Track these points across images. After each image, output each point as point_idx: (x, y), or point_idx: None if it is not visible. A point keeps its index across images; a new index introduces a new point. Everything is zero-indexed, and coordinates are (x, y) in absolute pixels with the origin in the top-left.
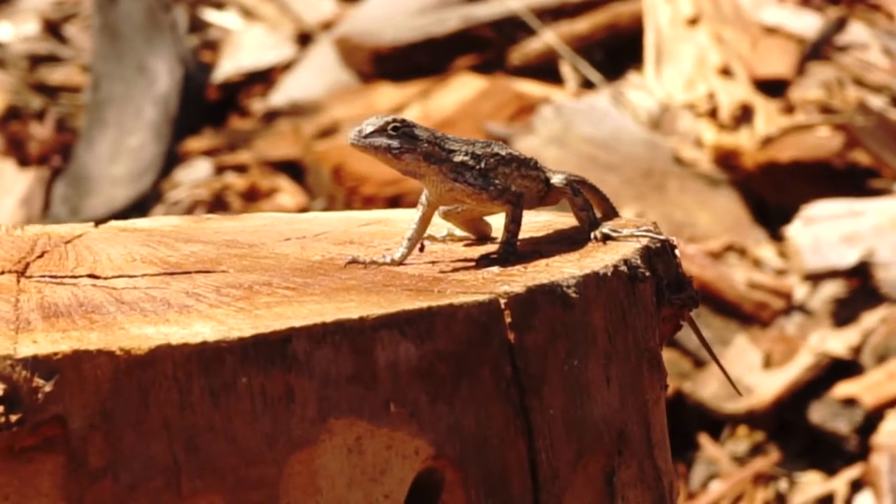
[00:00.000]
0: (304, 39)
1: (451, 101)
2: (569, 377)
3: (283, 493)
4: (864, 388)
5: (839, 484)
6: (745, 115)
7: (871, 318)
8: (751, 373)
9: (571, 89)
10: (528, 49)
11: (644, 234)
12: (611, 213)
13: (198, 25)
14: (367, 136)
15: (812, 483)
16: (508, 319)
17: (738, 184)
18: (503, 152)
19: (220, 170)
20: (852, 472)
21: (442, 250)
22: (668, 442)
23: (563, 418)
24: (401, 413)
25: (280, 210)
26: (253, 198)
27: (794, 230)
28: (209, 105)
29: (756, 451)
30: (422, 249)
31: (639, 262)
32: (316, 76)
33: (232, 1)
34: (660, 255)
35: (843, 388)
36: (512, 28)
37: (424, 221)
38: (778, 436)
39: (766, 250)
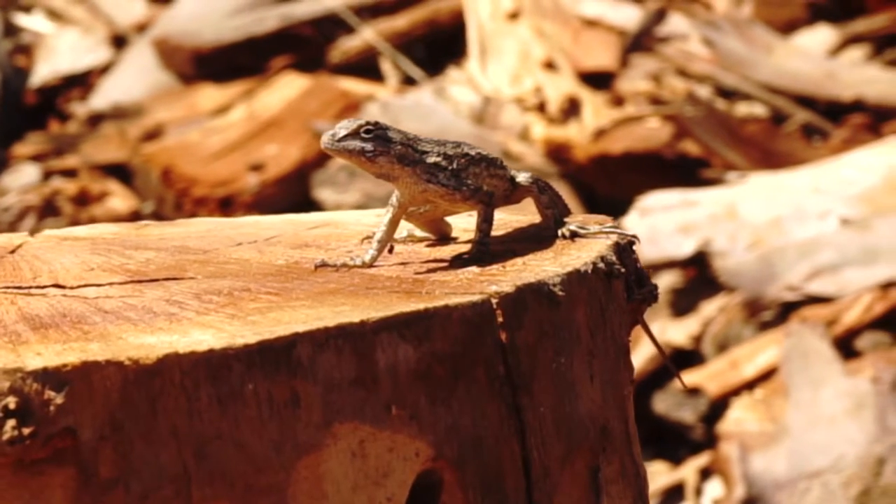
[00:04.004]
0: (119, 42)
1: (277, 100)
2: (557, 375)
3: (290, 498)
4: (707, 377)
5: (688, 472)
6: (572, 108)
7: (709, 307)
8: None
9: (393, 86)
10: (347, 46)
11: (611, 230)
12: (564, 210)
13: (11, 30)
14: (340, 140)
15: (659, 473)
16: (500, 319)
17: (569, 176)
18: (472, 152)
19: (47, 175)
20: (699, 461)
21: (407, 251)
22: (637, 436)
23: (552, 416)
24: (401, 415)
25: (113, 213)
26: (84, 202)
27: (630, 221)
28: (28, 110)
29: None
30: (391, 251)
31: (614, 258)
32: (135, 78)
33: (39, 4)
34: (625, 251)
35: (685, 378)
36: (331, 26)
37: (394, 223)
38: None
39: None
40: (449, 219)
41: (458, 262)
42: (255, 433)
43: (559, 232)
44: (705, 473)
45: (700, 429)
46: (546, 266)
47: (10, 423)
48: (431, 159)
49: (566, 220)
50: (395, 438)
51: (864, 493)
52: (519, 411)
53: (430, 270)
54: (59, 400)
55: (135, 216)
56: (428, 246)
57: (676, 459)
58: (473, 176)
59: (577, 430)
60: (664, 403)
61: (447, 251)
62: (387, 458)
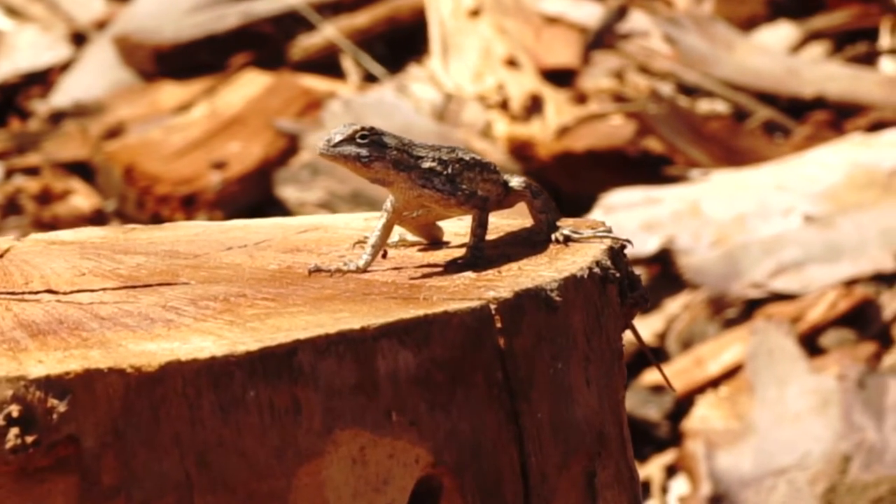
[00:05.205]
0: (79, 39)
1: (239, 98)
2: (554, 381)
3: None
4: (672, 375)
5: (653, 470)
6: (535, 106)
7: (674, 305)
8: None
9: (354, 83)
10: (308, 44)
11: (604, 234)
12: (556, 214)
13: None
14: (335, 146)
15: None
16: (498, 325)
17: (532, 174)
18: (467, 157)
19: (9, 173)
20: (665, 459)
21: (401, 256)
22: (630, 440)
23: (549, 422)
24: (401, 422)
25: (76, 211)
26: (47, 200)
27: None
28: None
29: None
30: (384, 256)
31: (609, 263)
32: (96, 76)
33: None
34: (618, 255)
35: (651, 376)
36: (291, 23)
37: (388, 228)
38: None
39: None
40: (440, 223)
41: (453, 267)
42: (256, 440)
43: (553, 236)
44: (671, 471)
45: (665, 426)
46: (542, 271)
47: (13, 431)
48: (426, 164)
49: (559, 224)
50: (395, 445)
51: (830, 491)
52: (517, 417)
53: (425, 276)
54: (61, 408)
55: (97, 214)
56: (421, 250)
57: (642, 457)
58: (468, 181)
59: (574, 435)
60: (629, 401)
61: (441, 256)
62: (387, 464)
